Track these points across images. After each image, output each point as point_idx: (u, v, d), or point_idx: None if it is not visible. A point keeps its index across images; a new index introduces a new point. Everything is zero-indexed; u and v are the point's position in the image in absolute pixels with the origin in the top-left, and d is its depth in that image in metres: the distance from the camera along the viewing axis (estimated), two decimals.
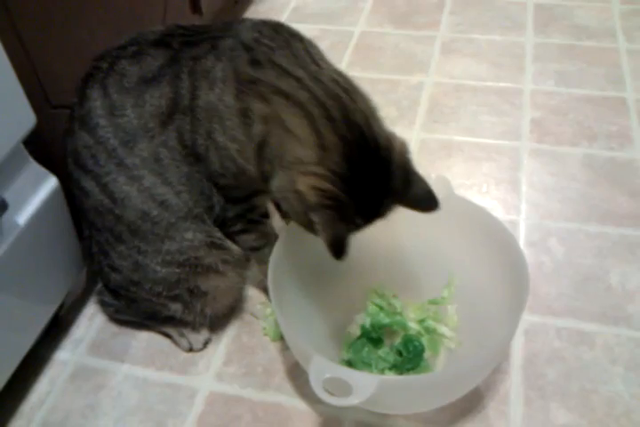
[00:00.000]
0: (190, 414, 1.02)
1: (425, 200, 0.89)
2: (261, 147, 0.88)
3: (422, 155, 1.47)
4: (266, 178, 0.90)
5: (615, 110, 1.56)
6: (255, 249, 1.02)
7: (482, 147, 1.49)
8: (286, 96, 0.85)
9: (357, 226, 0.87)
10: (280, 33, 0.92)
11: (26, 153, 0.94)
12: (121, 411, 1.03)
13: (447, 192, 1.09)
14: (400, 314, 1.10)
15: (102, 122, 0.91)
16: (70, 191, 1.01)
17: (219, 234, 1.01)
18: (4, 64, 0.84)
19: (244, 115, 0.87)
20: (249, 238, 1.05)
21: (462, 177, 1.41)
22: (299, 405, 1.02)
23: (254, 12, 2.00)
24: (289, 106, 0.84)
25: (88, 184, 0.95)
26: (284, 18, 1.97)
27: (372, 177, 0.84)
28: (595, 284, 1.17)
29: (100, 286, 1.11)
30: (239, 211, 1.01)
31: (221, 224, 1.01)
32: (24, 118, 0.90)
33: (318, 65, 0.89)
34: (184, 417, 1.02)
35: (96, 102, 0.91)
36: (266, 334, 1.12)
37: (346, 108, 0.84)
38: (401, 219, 0.95)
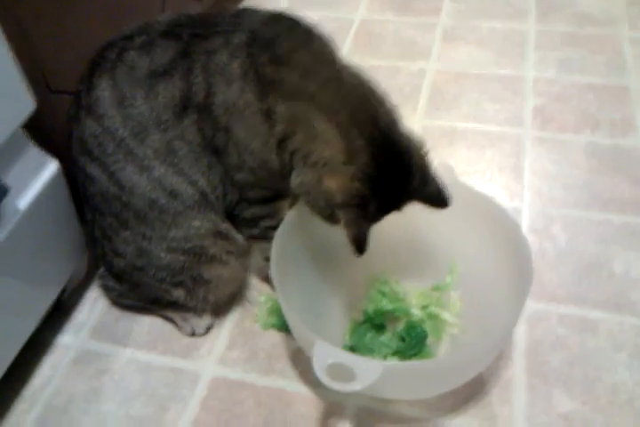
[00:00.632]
0: (193, 399, 1.02)
1: (438, 198, 0.92)
2: (283, 141, 0.88)
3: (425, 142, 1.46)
4: (286, 169, 0.91)
5: (618, 98, 1.55)
6: (267, 259, 1.02)
7: (484, 134, 1.48)
8: (311, 98, 0.85)
9: (375, 220, 0.90)
10: (297, 29, 0.91)
11: (26, 137, 0.94)
12: (124, 395, 1.03)
13: (451, 179, 1.08)
14: (403, 300, 1.10)
15: (111, 111, 0.90)
16: (72, 175, 1.01)
17: (226, 224, 1.01)
18: (4, 49, 0.83)
19: (267, 115, 0.87)
20: (267, 247, 1.02)
21: (465, 164, 1.41)
22: (301, 390, 1.02)
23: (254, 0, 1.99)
24: (314, 108, 0.85)
25: (94, 171, 0.94)
26: (283, 5, 1.96)
27: (395, 177, 0.87)
28: (598, 271, 1.17)
29: (102, 270, 1.10)
30: (257, 213, 1.01)
31: (238, 225, 1.02)
32: (23, 103, 0.89)
33: (339, 64, 0.89)
34: (187, 401, 1.02)
35: (104, 92, 0.91)
36: (257, 322, 1.12)
37: (371, 110, 0.85)
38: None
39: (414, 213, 0.97)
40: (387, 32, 1.84)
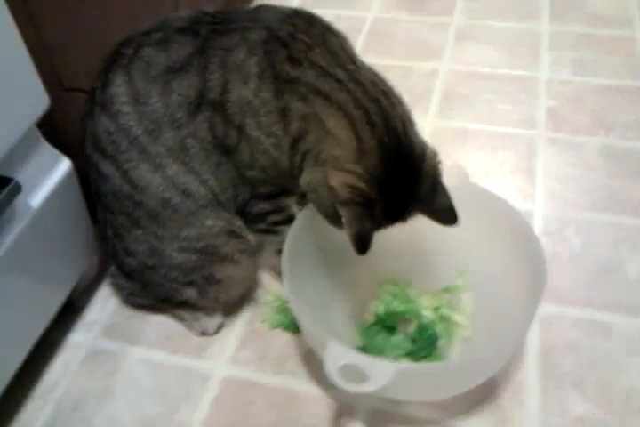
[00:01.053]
0: (204, 398, 1.02)
1: (446, 213, 0.91)
2: (297, 141, 0.88)
3: (436, 143, 1.42)
4: (296, 170, 0.91)
5: (632, 100, 1.54)
6: (279, 251, 1.01)
7: (497, 135, 1.47)
8: (327, 97, 0.85)
9: (380, 226, 0.89)
10: (314, 27, 0.90)
11: (39, 135, 0.94)
12: (134, 394, 1.03)
13: (463, 180, 1.08)
14: (414, 302, 1.09)
15: (126, 109, 0.90)
16: (84, 173, 1.01)
17: (239, 223, 1.00)
18: (19, 47, 0.83)
19: (283, 113, 0.87)
20: (275, 240, 1.04)
21: (477, 165, 1.40)
22: (312, 390, 1.02)
23: None
24: (329, 107, 0.85)
25: (107, 169, 0.94)
26: (297, 3, 1.95)
27: (403, 182, 0.86)
28: (611, 274, 1.16)
29: (113, 268, 1.10)
30: (264, 209, 1.01)
31: (246, 220, 1.01)
32: (38, 101, 0.89)
33: (355, 64, 0.89)
34: (197, 401, 1.01)
35: (120, 88, 0.90)
36: (263, 321, 1.12)
37: (385, 113, 0.85)
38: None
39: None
40: (400, 31, 1.83)
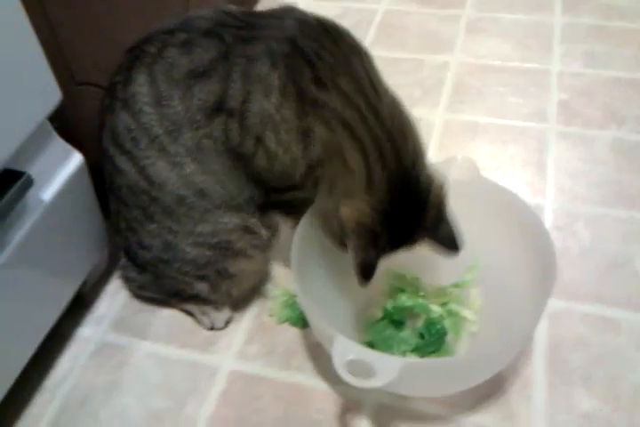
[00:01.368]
0: (211, 393, 1.02)
1: (449, 242, 0.93)
2: (314, 166, 0.90)
3: (447, 136, 1.46)
4: (305, 181, 0.93)
5: None
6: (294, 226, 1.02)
7: (508, 129, 1.46)
8: (350, 129, 0.86)
9: (385, 253, 0.91)
10: (339, 46, 0.90)
11: (51, 129, 0.94)
12: (143, 388, 1.03)
13: (473, 174, 1.08)
14: (422, 297, 1.09)
15: (147, 109, 0.91)
16: (97, 166, 1.01)
17: (253, 220, 1.01)
18: (32, 41, 0.84)
19: (305, 134, 0.88)
20: (291, 219, 1.06)
21: (487, 159, 1.39)
22: (320, 385, 1.02)
23: None
24: (351, 140, 0.86)
25: (124, 164, 0.95)
26: None
27: (408, 214, 0.89)
28: (621, 269, 1.16)
29: (124, 260, 1.11)
30: (278, 199, 1.01)
31: (263, 208, 1.01)
32: (50, 94, 0.89)
33: (376, 90, 0.89)
34: (205, 395, 1.02)
35: (142, 88, 0.91)
36: (271, 315, 1.12)
37: (398, 150, 0.87)
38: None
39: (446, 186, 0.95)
40: (410, 24, 1.82)
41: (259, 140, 0.90)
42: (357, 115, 0.86)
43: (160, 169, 0.93)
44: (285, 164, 0.92)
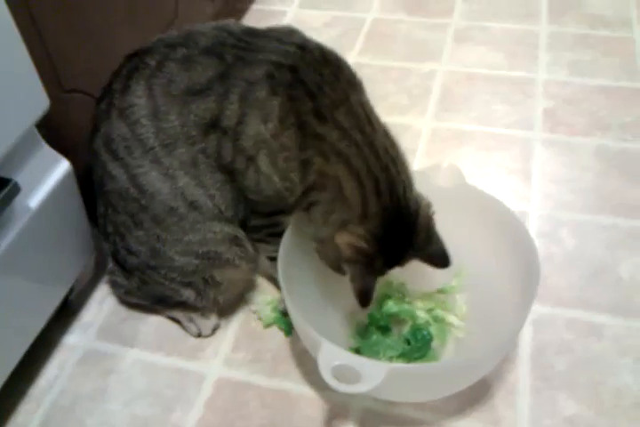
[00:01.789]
0: (198, 400, 1.02)
1: (439, 258, 0.96)
2: (309, 191, 0.91)
3: (433, 144, 1.47)
4: (295, 205, 0.95)
5: (629, 101, 1.55)
6: (272, 258, 1.03)
7: (494, 136, 1.48)
8: (347, 162, 0.88)
9: (380, 274, 0.94)
10: (339, 80, 0.91)
11: (39, 136, 0.94)
12: (129, 395, 1.03)
13: (459, 181, 1.09)
14: (409, 303, 1.10)
15: (144, 121, 0.92)
16: (83, 172, 1.02)
17: (241, 232, 1.02)
18: (20, 47, 0.84)
19: (304, 165, 0.89)
20: (268, 248, 1.07)
21: (473, 166, 1.40)
22: (306, 391, 1.03)
23: None
24: (348, 173, 0.88)
25: (115, 170, 0.95)
26: (296, 4, 1.95)
27: (400, 238, 0.92)
28: (605, 275, 1.17)
29: (111, 265, 1.11)
30: (260, 223, 1.03)
31: (244, 229, 1.03)
32: (38, 101, 0.90)
33: (371, 124, 0.91)
34: (192, 402, 1.02)
35: (140, 100, 0.92)
36: (259, 318, 1.13)
37: (392, 181, 0.90)
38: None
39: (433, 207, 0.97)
40: (398, 32, 1.83)
41: (251, 159, 0.91)
42: (354, 147, 0.88)
43: (152, 179, 0.94)
44: (275, 189, 0.93)
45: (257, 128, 0.89)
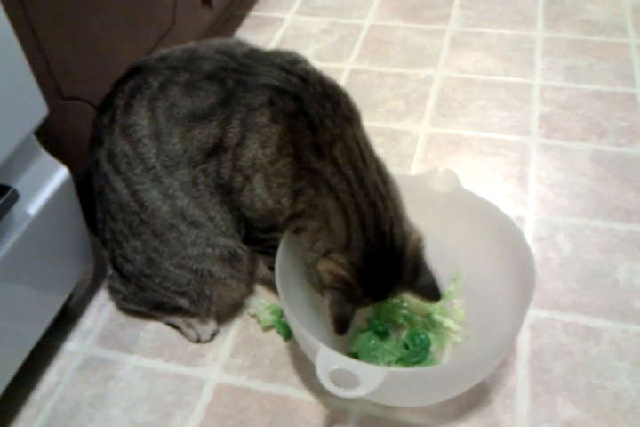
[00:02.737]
0: (198, 405, 1.03)
1: (429, 291, 0.96)
2: (297, 216, 0.92)
3: (430, 149, 1.47)
4: (286, 228, 0.98)
5: (625, 106, 1.56)
6: (272, 268, 1.03)
7: (490, 142, 1.49)
8: (336, 196, 0.89)
9: (364, 305, 0.95)
10: (338, 113, 0.91)
11: (37, 144, 0.95)
12: (129, 401, 1.04)
13: (454, 186, 1.09)
14: (406, 308, 1.10)
15: (146, 141, 0.93)
16: (82, 179, 1.02)
17: (240, 250, 1.03)
18: (18, 55, 0.85)
19: (295, 193, 0.91)
20: (268, 259, 1.07)
21: (470, 172, 1.41)
22: (305, 397, 1.03)
23: (264, 4, 2.00)
24: (336, 208, 0.90)
25: (117, 183, 0.96)
26: (293, 11, 1.97)
27: (384, 270, 0.92)
28: (602, 279, 1.17)
29: (111, 271, 1.12)
30: (260, 237, 1.03)
31: (244, 241, 1.04)
32: (36, 109, 0.90)
33: (364, 160, 0.92)
34: (192, 408, 1.02)
35: (143, 121, 0.92)
36: (258, 321, 1.13)
37: (379, 218, 0.91)
38: (408, 212, 0.95)
39: (419, 221, 0.98)
40: (395, 39, 1.85)
41: (247, 178, 0.92)
42: (345, 183, 0.89)
43: (153, 197, 0.95)
44: (268, 209, 0.94)
45: (255, 152, 0.90)
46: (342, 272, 0.90)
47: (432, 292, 0.96)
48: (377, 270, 0.92)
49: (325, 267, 0.90)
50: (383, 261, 0.92)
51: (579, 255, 1.22)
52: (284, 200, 0.92)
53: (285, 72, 0.92)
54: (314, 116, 0.89)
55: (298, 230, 0.94)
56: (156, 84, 0.93)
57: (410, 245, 0.93)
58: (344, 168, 0.89)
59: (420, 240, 0.94)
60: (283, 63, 0.94)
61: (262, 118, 0.89)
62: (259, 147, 0.90)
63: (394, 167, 1.39)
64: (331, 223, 0.90)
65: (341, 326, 0.91)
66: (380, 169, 0.94)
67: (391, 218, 0.92)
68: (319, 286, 0.93)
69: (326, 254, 0.91)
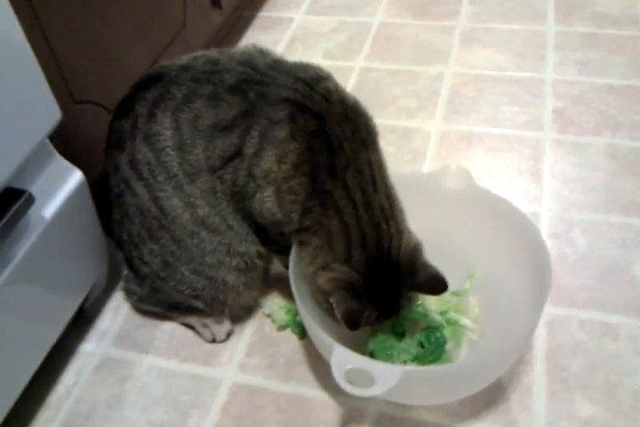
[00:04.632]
0: (214, 405, 1.03)
1: (432, 284, 0.94)
2: (301, 231, 0.94)
3: (442, 146, 1.47)
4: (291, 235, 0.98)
5: (638, 99, 1.54)
6: (287, 267, 1.04)
7: (503, 138, 1.48)
8: (341, 219, 0.91)
9: (377, 319, 0.96)
10: (355, 136, 0.92)
11: (51, 148, 0.96)
12: (146, 402, 1.04)
13: (468, 183, 1.09)
14: (422, 306, 1.10)
15: (169, 151, 0.93)
16: (98, 176, 1.03)
17: (257, 260, 1.05)
18: (31, 60, 0.85)
19: (305, 212, 0.91)
20: (283, 259, 1.07)
21: (483, 168, 1.40)
22: (321, 396, 1.03)
23: (273, 5, 2.00)
24: (340, 228, 0.91)
25: (139, 189, 0.97)
26: (302, 10, 1.97)
27: (385, 277, 0.93)
28: (618, 275, 1.16)
29: (126, 272, 1.12)
30: (276, 238, 1.03)
31: (262, 243, 1.04)
32: (50, 113, 0.91)
33: (375, 185, 0.92)
34: (208, 408, 1.03)
35: (167, 131, 0.93)
36: (273, 321, 1.14)
37: (380, 235, 0.92)
38: (422, 210, 0.95)
39: (433, 218, 0.97)
40: (405, 36, 1.84)
41: (260, 187, 0.93)
42: (351, 209, 0.90)
43: (174, 205, 0.96)
44: (276, 217, 0.95)
45: (270, 165, 0.90)
46: (342, 276, 0.91)
47: (435, 284, 0.94)
48: (378, 277, 0.92)
49: (324, 278, 0.91)
50: (383, 269, 0.93)
51: (594, 251, 1.21)
52: (293, 215, 0.93)
53: (309, 88, 0.92)
54: (333, 138, 0.90)
55: (301, 243, 0.95)
56: (179, 95, 0.93)
57: (403, 249, 0.94)
58: (352, 192, 0.90)
59: (414, 244, 0.95)
60: (306, 78, 0.93)
61: (282, 133, 0.89)
62: (275, 161, 0.90)
63: (406, 165, 1.42)
64: (333, 242, 0.92)
65: (351, 321, 0.90)
66: (388, 192, 0.95)
67: (392, 234, 0.93)
68: (324, 301, 0.93)
69: (325, 268, 0.92)
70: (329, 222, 0.91)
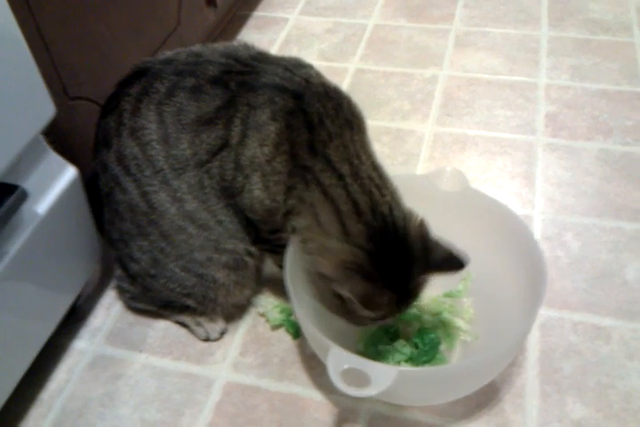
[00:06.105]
0: (207, 404, 1.03)
1: (449, 261, 0.91)
2: (289, 214, 0.93)
3: (436, 149, 1.47)
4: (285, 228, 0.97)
5: (630, 105, 1.56)
6: (282, 266, 1.03)
7: (496, 141, 1.49)
8: (324, 191, 0.89)
9: (398, 305, 0.90)
10: (339, 115, 0.92)
11: (45, 144, 0.95)
12: (139, 400, 1.04)
13: (463, 185, 1.09)
14: (416, 307, 1.10)
15: (155, 144, 0.93)
16: (90, 178, 1.02)
17: (247, 257, 1.04)
18: (26, 55, 0.85)
19: (288, 189, 0.91)
20: (276, 258, 1.07)
21: (476, 171, 1.41)
22: (315, 395, 1.03)
23: (268, 5, 2.00)
24: (323, 199, 0.90)
25: (127, 184, 0.96)
26: (297, 11, 1.97)
27: (395, 252, 0.88)
28: (610, 278, 1.17)
29: (118, 271, 1.11)
30: (267, 237, 1.03)
31: (253, 242, 1.04)
32: (44, 109, 0.90)
33: (360, 158, 0.92)
34: (201, 406, 1.02)
35: (151, 125, 0.93)
36: (266, 320, 1.13)
37: (375, 202, 0.90)
38: (416, 211, 0.95)
39: (427, 220, 0.97)
40: (400, 38, 1.85)
41: (247, 177, 0.93)
42: (336, 181, 0.89)
43: (162, 200, 0.95)
44: (267, 208, 0.95)
45: (254, 151, 0.90)
46: (344, 257, 0.87)
47: (452, 261, 0.90)
48: (387, 254, 0.88)
49: (323, 264, 0.88)
50: (390, 243, 0.88)
51: (587, 254, 1.22)
52: (279, 197, 0.92)
53: (290, 73, 0.93)
54: (313, 115, 0.90)
55: (294, 231, 0.94)
56: (162, 89, 0.93)
57: (412, 223, 0.90)
58: (337, 164, 0.89)
59: (420, 220, 0.91)
60: (287, 65, 0.94)
61: (262, 117, 0.90)
62: (258, 146, 0.90)
63: (400, 166, 1.42)
64: (319, 218, 0.89)
65: (372, 301, 0.85)
66: (376, 166, 0.93)
67: (389, 202, 0.90)
68: (327, 292, 0.90)
69: (323, 253, 0.89)
70: (311, 197, 0.90)
